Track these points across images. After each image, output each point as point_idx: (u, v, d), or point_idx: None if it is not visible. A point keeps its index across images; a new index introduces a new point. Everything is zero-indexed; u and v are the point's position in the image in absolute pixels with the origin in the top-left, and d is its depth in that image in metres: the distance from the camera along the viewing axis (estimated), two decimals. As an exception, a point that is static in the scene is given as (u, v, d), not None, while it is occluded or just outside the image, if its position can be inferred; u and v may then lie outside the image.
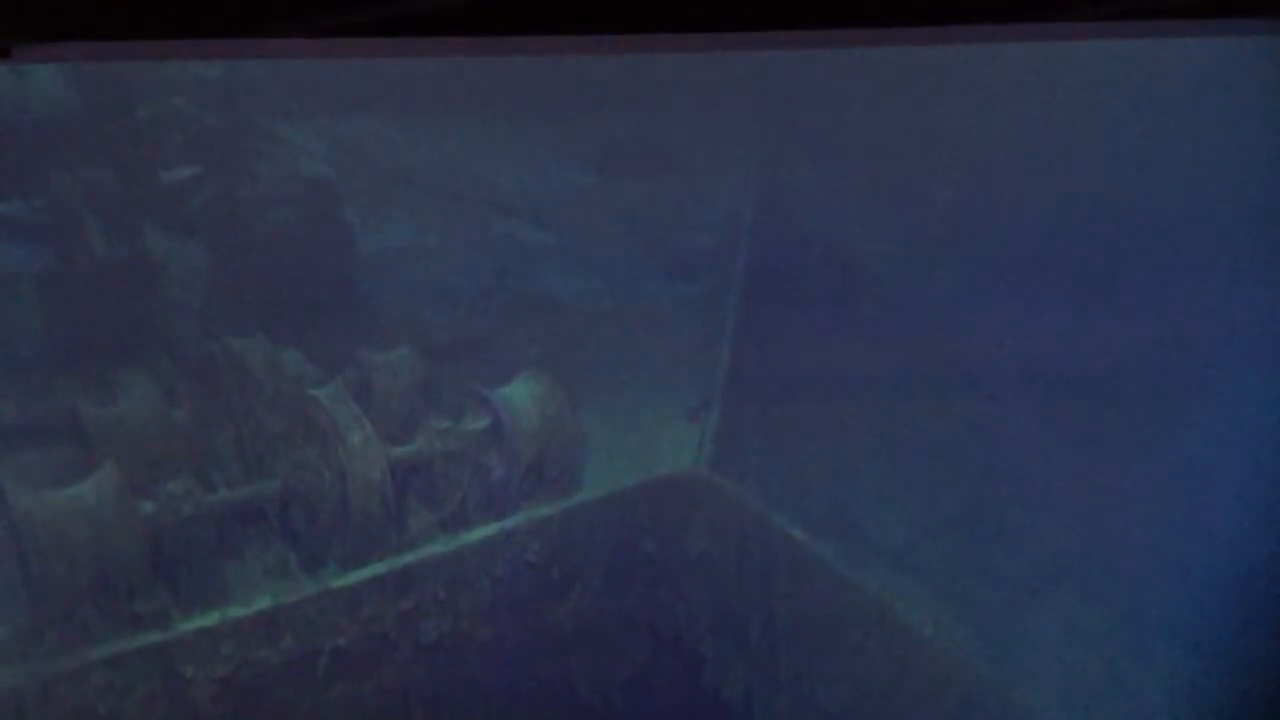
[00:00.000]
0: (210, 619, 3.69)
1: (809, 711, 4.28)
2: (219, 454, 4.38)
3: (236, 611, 3.75)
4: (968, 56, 8.67)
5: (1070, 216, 7.60)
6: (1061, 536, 4.95)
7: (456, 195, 7.56)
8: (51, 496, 3.75)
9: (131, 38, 1.53)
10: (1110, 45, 8.27)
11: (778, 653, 4.44)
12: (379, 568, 3.99)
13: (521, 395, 4.55)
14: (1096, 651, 4.34)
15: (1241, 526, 4.55)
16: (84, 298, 5.71)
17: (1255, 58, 8.72)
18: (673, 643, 4.70)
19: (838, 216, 7.30)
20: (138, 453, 4.18)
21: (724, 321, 6.08)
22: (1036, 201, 7.77)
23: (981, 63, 8.66)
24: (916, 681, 3.85)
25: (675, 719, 4.78)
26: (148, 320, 5.51)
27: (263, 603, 3.78)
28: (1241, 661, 4.13)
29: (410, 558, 4.05)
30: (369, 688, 4.03)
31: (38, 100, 6.78)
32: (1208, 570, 4.46)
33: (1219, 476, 4.83)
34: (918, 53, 8.35)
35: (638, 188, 7.75)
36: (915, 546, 4.92)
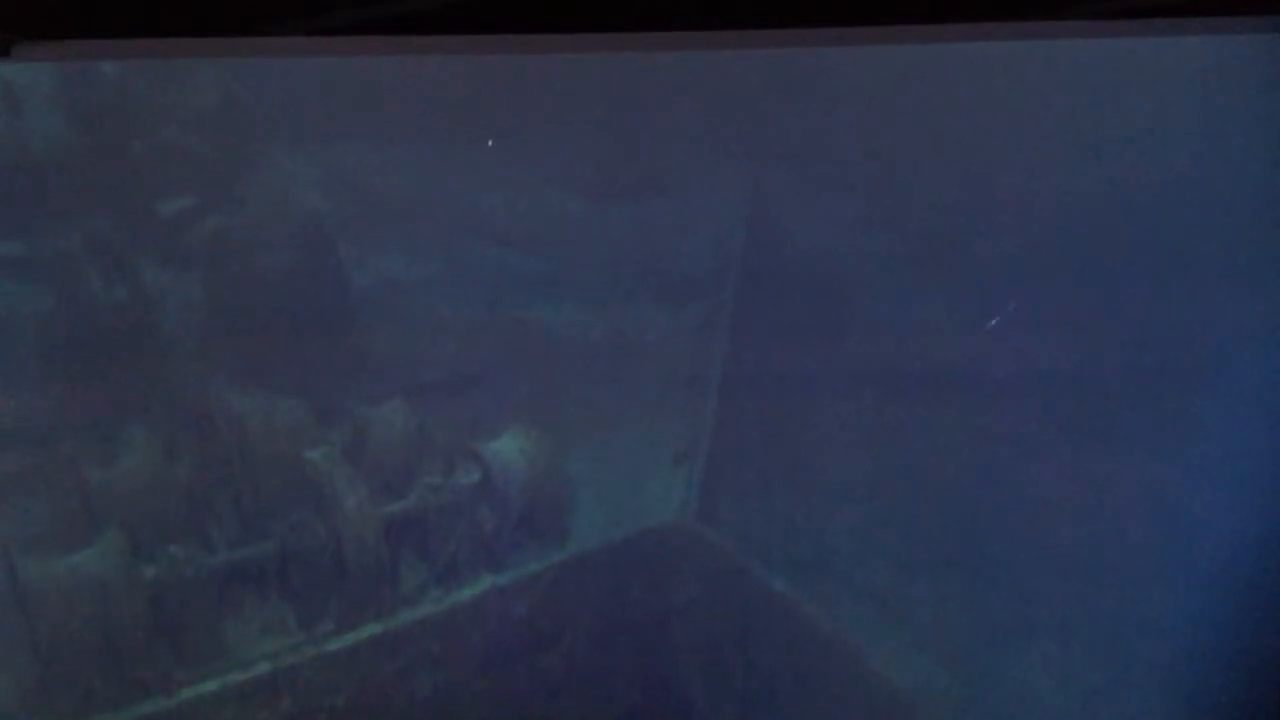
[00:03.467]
0: (211, 684, 3.83)
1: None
2: (218, 512, 4.50)
3: (237, 675, 3.89)
4: (963, 59, 8.65)
5: (1066, 226, 7.64)
6: (1043, 573, 5.06)
7: (448, 223, 7.61)
8: (56, 564, 3.88)
9: (132, 37, 1.61)
10: (1110, 45, 8.29)
11: (765, 696, 4.58)
12: (374, 628, 4.13)
13: (511, 449, 4.67)
14: (1074, 698, 4.48)
15: (1231, 565, 4.61)
16: (83, 341, 5.81)
17: (1255, 58, 8.72)
18: (662, 684, 4.84)
19: (831, 238, 7.33)
20: (140, 513, 4.31)
21: (714, 354, 6.15)
22: (1033, 210, 7.80)
23: (977, 64, 8.65)
24: (894, 734, 4.00)
25: (665, 757, 4.93)
26: (147, 365, 5.61)
27: (262, 666, 3.92)
28: (1227, 708, 4.24)
29: (404, 617, 4.18)
30: (365, 741, 4.18)
31: (35, 137, 6.84)
32: (1191, 614, 4.55)
33: (1206, 510, 4.90)
34: (910, 61, 8.37)
35: (630, 212, 7.79)
36: (897, 588, 5.04)
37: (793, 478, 5.57)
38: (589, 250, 6.61)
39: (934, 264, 6.99)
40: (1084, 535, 4.96)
